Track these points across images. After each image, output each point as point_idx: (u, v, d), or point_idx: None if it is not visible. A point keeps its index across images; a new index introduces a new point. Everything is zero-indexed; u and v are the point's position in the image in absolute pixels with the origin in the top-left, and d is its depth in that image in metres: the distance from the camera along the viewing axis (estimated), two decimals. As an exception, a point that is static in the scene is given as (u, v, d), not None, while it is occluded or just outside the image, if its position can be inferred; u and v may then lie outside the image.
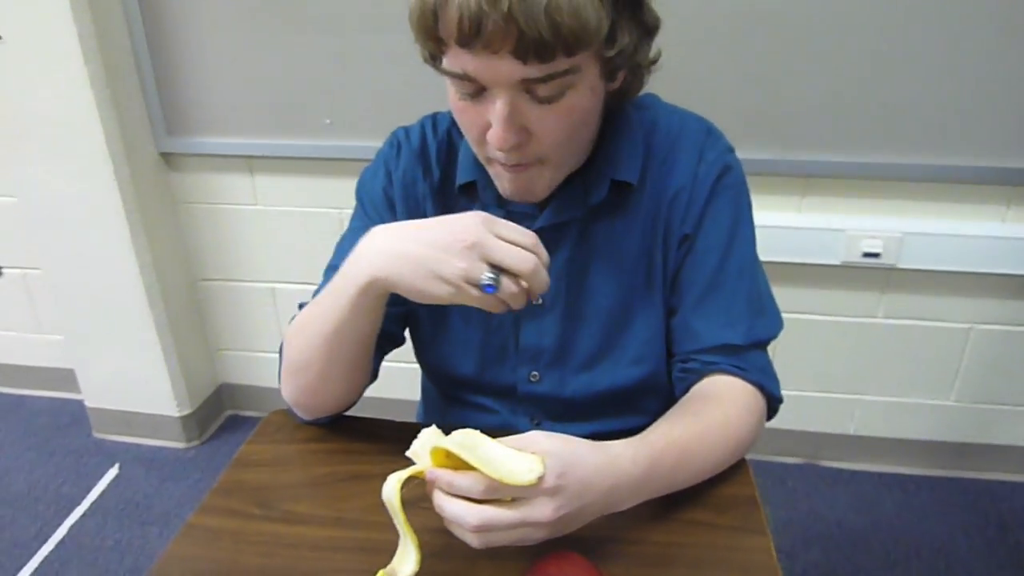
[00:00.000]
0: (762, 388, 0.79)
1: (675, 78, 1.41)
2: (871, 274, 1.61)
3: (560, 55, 0.62)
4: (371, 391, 0.85)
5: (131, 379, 1.91)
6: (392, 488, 0.59)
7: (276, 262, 1.86)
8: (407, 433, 0.63)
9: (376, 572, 0.60)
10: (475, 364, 0.87)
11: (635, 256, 0.81)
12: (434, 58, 0.69)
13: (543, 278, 0.66)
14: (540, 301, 0.81)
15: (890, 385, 1.76)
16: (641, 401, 0.86)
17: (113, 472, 1.90)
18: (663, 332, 0.83)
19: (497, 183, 0.76)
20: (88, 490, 1.84)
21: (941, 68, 1.40)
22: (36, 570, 1.60)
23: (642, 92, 0.84)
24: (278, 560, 0.68)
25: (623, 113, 0.80)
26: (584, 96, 0.68)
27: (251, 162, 1.74)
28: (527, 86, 0.65)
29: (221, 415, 2.12)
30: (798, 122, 1.49)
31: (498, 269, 0.64)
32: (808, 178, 1.55)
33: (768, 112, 1.49)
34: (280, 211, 1.79)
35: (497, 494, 0.57)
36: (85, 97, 1.55)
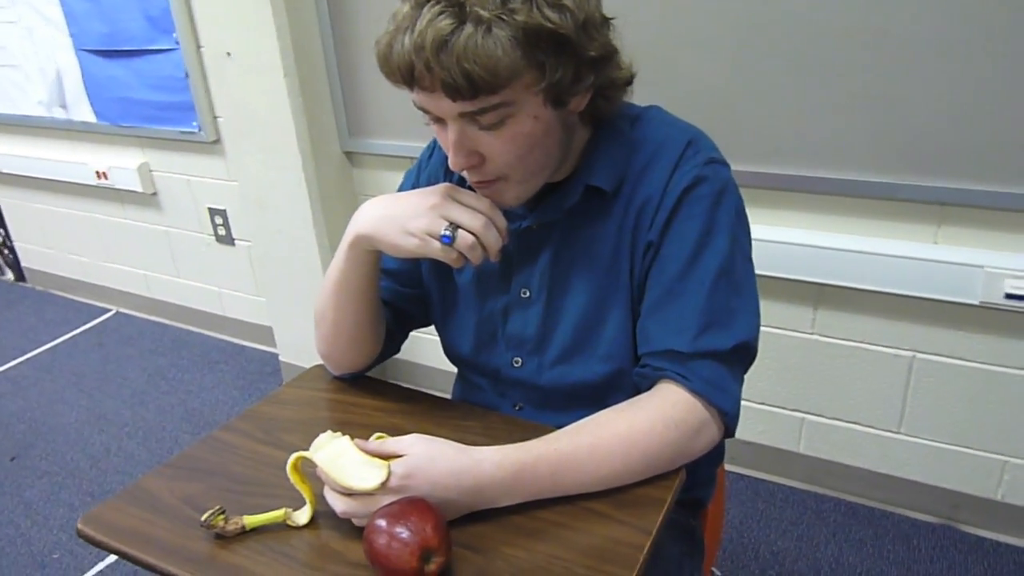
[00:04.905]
0: (708, 400, 0.80)
1: (800, 98, 1.41)
2: (1015, 319, 1.42)
3: (483, 93, 0.70)
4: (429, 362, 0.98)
5: (310, 341, 2.25)
6: (288, 463, 0.76)
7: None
8: (406, 397, 0.93)
9: (283, 509, 0.76)
10: (471, 345, 0.98)
11: (608, 260, 0.87)
12: None
13: (493, 235, 0.80)
14: (498, 259, 0.85)
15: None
16: (610, 397, 0.90)
17: (291, 417, 2.26)
18: (630, 333, 0.88)
19: None
20: (270, 428, 2.22)
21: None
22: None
23: (650, 104, 0.90)
24: (255, 472, 0.85)
25: (611, 126, 0.86)
26: (526, 123, 0.75)
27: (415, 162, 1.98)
28: (469, 117, 0.74)
29: (385, 384, 2.41)
30: (932, 144, 1.37)
31: (455, 227, 0.79)
32: (944, 206, 1.41)
33: (898, 132, 1.38)
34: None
35: (353, 492, 0.72)
36: (284, 103, 1.88)
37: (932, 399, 1.58)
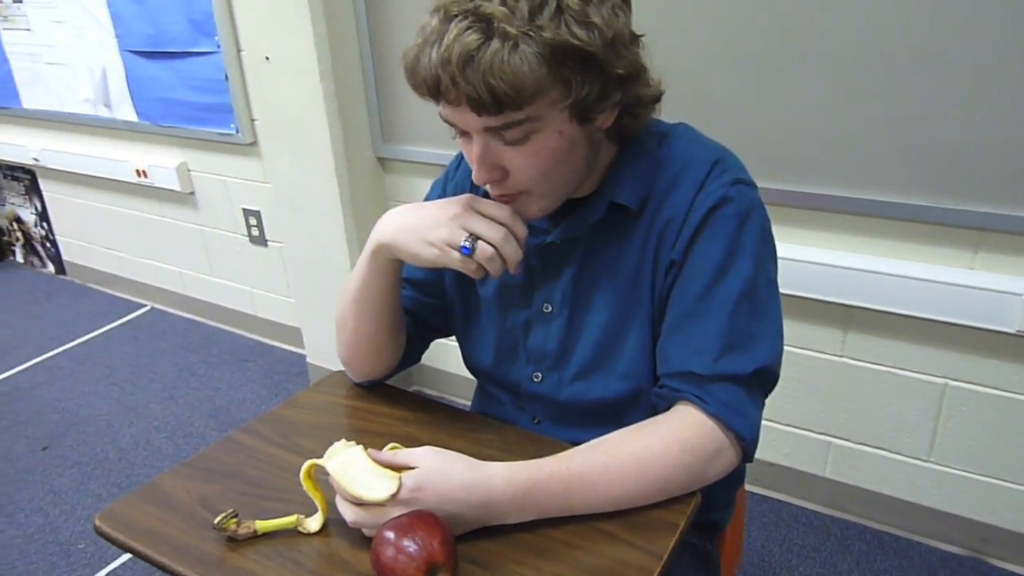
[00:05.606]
0: (725, 424, 0.79)
1: (834, 116, 1.39)
2: (1054, 350, 1.38)
3: (508, 109, 0.70)
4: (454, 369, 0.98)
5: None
6: (302, 470, 0.76)
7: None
8: (424, 407, 0.92)
9: (295, 515, 0.76)
10: (492, 358, 0.97)
11: (631, 277, 0.86)
12: None
13: (512, 247, 0.80)
14: (518, 271, 0.85)
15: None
16: (628, 415, 0.89)
17: (316, 418, 2.28)
18: (650, 352, 0.87)
19: None
20: (294, 428, 2.24)
21: None
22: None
23: (678, 122, 0.89)
24: (270, 475, 0.86)
25: (638, 143, 0.85)
26: (550, 138, 0.75)
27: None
28: (494, 131, 0.74)
29: (408, 389, 2.41)
30: (971, 167, 1.33)
31: (475, 238, 0.79)
32: (983, 231, 1.38)
33: (934, 154, 1.35)
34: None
35: (364, 502, 0.72)
36: (319, 108, 1.91)
37: (964, 428, 1.54)
